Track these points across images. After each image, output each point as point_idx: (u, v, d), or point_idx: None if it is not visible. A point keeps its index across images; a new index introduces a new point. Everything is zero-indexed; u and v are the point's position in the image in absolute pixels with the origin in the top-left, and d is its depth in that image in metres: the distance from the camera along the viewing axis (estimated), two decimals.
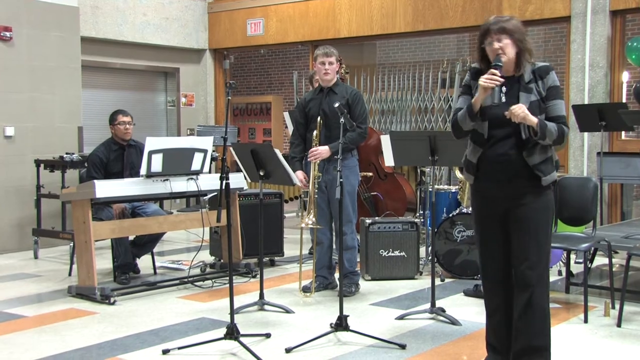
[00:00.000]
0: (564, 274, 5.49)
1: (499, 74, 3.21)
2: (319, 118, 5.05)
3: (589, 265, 5.48)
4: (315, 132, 5.03)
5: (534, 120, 3.22)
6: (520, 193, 3.31)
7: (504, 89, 3.29)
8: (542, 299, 3.32)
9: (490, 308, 3.47)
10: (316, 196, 4.99)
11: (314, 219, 4.78)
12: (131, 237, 5.76)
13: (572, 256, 5.54)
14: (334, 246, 5.37)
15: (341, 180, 4.06)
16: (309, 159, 5.00)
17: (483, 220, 3.44)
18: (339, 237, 4.34)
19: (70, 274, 5.97)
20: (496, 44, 3.25)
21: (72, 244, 5.93)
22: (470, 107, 3.31)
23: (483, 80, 3.21)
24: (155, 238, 5.84)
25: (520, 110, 3.20)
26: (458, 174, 4.83)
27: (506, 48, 3.25)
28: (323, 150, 4.96)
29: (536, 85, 3.29)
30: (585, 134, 7.03)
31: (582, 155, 7.16)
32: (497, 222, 3.38)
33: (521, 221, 3.31)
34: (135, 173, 5.58)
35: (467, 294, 5.08)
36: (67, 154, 6.89)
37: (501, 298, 3.42)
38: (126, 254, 5.64)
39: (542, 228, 3.32)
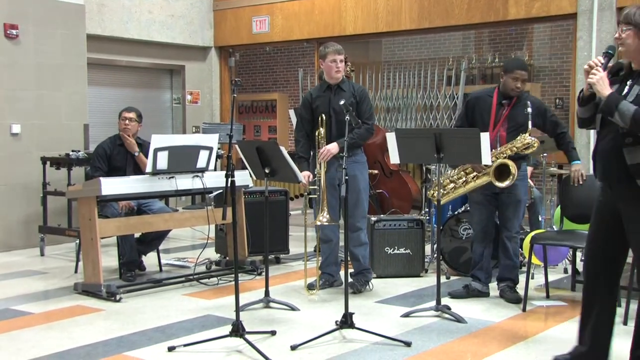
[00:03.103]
0: (569, 271, 5.48)
1: (602, 62, 3.12)
2: (323, 116, 5.04)
3: None
4: (322, 130, 5.02)
5: (604, 92, 3.06)
6: (623, 194, 3.17)
7: (629, 82, 3.17)
8: None
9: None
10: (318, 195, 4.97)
11: (328, 216, 4.77)
12: (137, 235, 5.77)
13: (578, 254, 5.53)
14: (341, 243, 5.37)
15: (346, 177, 4.07)
16: (320, 160, 4.97)
17: (594, 216, 3.37)
18: (344, 233, 4.34)
19: (76, 271, 5.99)
20: (618, 33, 3.15)
21: (78, 241, 5.95)
22: (581, 93, 3.24)
23: (590, 74, 3.13)
24: (161, 235, 5.85)
25: (594, 75, 3.08)
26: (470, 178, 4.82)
27: (627, 39, 3.11)
28: (332, 148, 4.95)
29: None
30: (592, 131, 7.00)
31: (588, 153, 7.13)
32: (608, 221, 3.26)
33: (627, 224, 3.18)
34: (140, 170, 5.59)
35: (454, 295, 4.99)
36: (73, 151, 6.91)
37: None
38: (132, 251, 5.65)
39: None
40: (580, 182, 4.77)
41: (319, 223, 4.83)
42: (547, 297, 5.00)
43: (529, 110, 4.67)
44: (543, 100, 10.15)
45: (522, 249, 5.59)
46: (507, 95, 4.83)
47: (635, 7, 3.17)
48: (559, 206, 5.17)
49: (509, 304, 4.82)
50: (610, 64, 3.26)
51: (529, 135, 4.70)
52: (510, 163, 4.69)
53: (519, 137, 4.72)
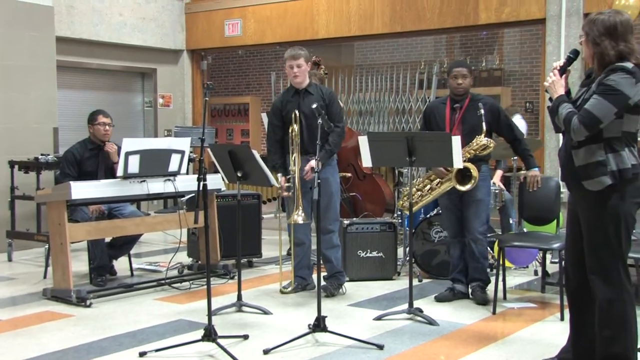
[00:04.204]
0: (539, 273, 5.55)
1: (560, 66, 3.25)
2: (296, 112, 4.97)
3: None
4: (296, 127, 4.95)
5: (554, 95, 3.20)
6: (577, 194, 3.27)
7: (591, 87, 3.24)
8: (616, 309, 3.18)
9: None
10: (292, 194, 4.95)
11: (303, 214, 4.75)
12: (108, 239, 5.70)
13: (548, 256, 5.60)
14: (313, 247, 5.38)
15: (319, 181, 4.07)
16: (306, 177, 4.92)
17: (567, 220, 3.45)
18: (317, 236, 4.34)
19: (45, 277, 5.90)
20: (580, 38, 3.27)
21: (47, 246, 5.87)
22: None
23: (546, 79, 3.29)
24: (133, 239, 5.79)
25: (549, 78, 3.20)
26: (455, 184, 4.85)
27: (583, 45, 3.22)
28: (314, 164, 4.87)
29: (595, 82, 3.17)
30: (561, 135, 7.09)
31: (557, 156, 7.24)
32: (575, 220, 3.34)
33: (583, 225, 3.26)
34: (112, 175, 5.53)
35: (439, 299, 5.02)
36: (42, 155, 6.81)
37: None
38: (102, 255, 5.59)
39: (597, 237, 3.19)
40: (535, 189, 4.88)
41: (293, 222, 4.82)
42: (504, 298, 5.05)
43: (482, 111, 4.74)
44: (513, 104, 10.31)
45: (493, 251, 5.65)
46: (458, 99, 4.91)
47: (595, 13, 3.24)
48: None
49: (480, 306, 4.85)
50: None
51: (484, 136, 4.77)
52: (472, 166, 4.75)
53: (474, 140, 4.79)
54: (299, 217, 4.74)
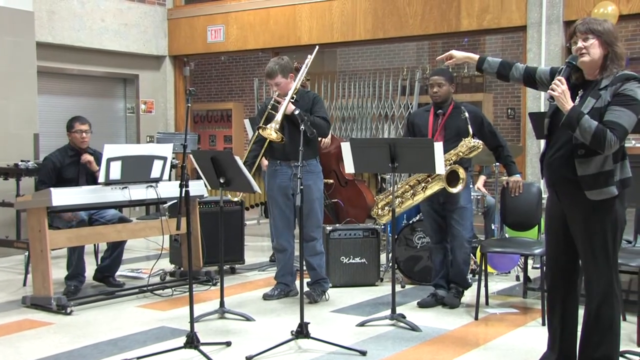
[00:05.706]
0: (521, 279, 5.58)
1: (566, 76, 3.16)
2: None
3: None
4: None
5: (566, 105, 3.08)
6: (569, 201, 3.25)
7: (580, 92, 3.21)
8: (604, 313, 3.20)
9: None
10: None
11: (275, 127, 4.78)
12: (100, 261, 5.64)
13: (530, 261, 5.64)
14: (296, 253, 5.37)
15: (302, 187, 4.07)
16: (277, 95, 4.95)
17: (546, 225, 3.44)
18: (299, 243, 4.34)
19: (25, 284, 5.84)
20: (580, 44, 3.16)
21: (27, 253, 5.80)
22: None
23: (550, 87, 3.17)
24: (117, 245, 5.69)
25: (557, 87, 3.10)
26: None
27: (591, 48, 3.14)
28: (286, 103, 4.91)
29: (607, 91, 3.11)
30: (542, 141, 7.15)
31: (539, 162, 7.30)
32: (559, 227, 3.34)
33: (576, 232, 3.25)
34: (93, 182, 5.48)
35: (422, 304, 5.02)
36: (22, 161, 6.75)
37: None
38: (79, 262, 5.50)
39: (595, 243, 3.19)
40: (517, 194, 4.96)
41: (264, 133, 4.83)
42: (487, 303, 5.06)
43: (466, 115, 4.77)
44: (495, 111, 10.39)
45: (476, 257, 5.67)
46: (441, 106, 4.95)
47: (589, 18, 3.24)
48: None
49: (463, 312, 4.87)
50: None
51: (472, 138, 4.80)
52: (460, 169, 4.80)
53: (462, 142, 4.82)
54: (271, 130, 4.77)
